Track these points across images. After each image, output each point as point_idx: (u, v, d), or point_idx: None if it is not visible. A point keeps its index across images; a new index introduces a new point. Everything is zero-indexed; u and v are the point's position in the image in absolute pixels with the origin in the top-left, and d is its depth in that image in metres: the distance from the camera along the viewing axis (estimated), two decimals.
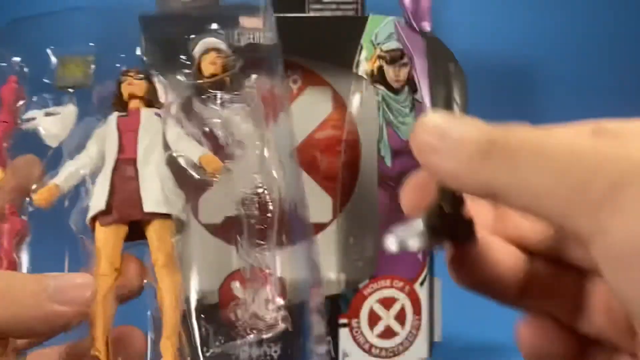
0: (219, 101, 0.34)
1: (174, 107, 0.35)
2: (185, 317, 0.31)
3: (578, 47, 0.56)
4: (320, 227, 0.50)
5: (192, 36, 0.36)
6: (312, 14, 0.51)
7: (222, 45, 0.36)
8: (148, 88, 0.34)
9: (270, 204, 0.33)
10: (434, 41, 0.27)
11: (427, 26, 0.29)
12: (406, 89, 0.49)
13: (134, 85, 0.34)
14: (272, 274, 0.33)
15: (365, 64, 0.48)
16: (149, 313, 0.31)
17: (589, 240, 0.17)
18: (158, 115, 0.34)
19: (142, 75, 0.34)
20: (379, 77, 0.49)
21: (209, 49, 0.35)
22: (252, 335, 0.32)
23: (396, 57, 0.49)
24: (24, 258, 0.31)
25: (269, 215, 0.33)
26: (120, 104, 0.34)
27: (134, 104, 0.34)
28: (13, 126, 0.33)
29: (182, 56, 0.35)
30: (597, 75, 0.56)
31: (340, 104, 0.50)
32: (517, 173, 0.18)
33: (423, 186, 0.23)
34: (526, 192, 0.18)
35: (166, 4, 0.43)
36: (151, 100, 0.34)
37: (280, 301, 0.32)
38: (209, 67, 0.35)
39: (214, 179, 0.33)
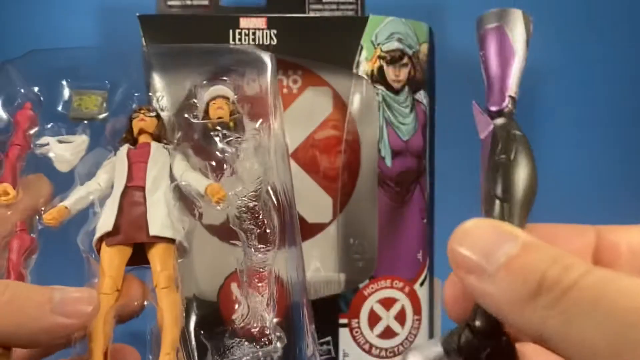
0: (225, 140, 0.37)
1: (182, 143, 0.37)
2: (184, 334, 0.32)
3: (578, 52, 0.56)
4: (320, 227, 0.50)
5: (204, 82, 0.38)
6: (312, 14, 0.51)
7: (230, 93, 0.38)
8: (158, 125, 0.37)
9: (268, 233, 0.35)
10: (508, 122, 0.23)
11: (504, 103, 0.23)
12: (406, 89, 0.49)
13: (145, 122, 0.36)
14: (268, 285, 0.34)
15: (365, 64, 0.48)
16: (148, 331, 0.33)
17: None
18: (166, 149, 0.36)
19: (153, 114, 0.37)
20: (379, 78, 0.49)
21: (217, 96, 0.38)
22: (248, 357, 0.33)
23: (396, 58, 0.49)
24: (31, 273, 0.32)
25: (268, 243, 0.35)
26: (130, 138, 0.36)
27: (143, 138, 0.36)
28: (26, 150, 0.35)
29: (193, 100, 0.38)
30: (598, 80, 0.56)
31: (340, 104, 0.50)
32: (571, 326, 0.16)
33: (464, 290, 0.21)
34: (580, 347, 0.16)
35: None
36: (160, 135, 0.37)
37: (274, 320, 0.33)
38: (216, 111, 0.37)
39: (218, 208, 0.35)
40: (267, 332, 0.33)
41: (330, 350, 0.48)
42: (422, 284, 0.50)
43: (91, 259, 0.33)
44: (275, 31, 0.47)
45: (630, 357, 0.15)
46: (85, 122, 0.37)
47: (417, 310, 0.50)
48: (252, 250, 0.35)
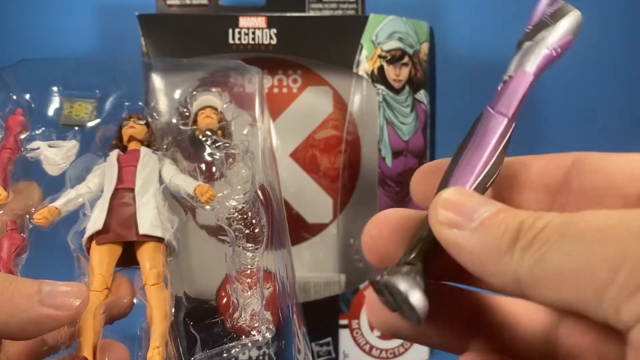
0: (214, 145, 0.38)
1: (171, 148, 0.38)
2: (173, 327, 0.32)
3: (579, 49, 0.55)
4: (320, 227, 0.50)
5: (194, 93, 0.40)
6: (312, 13, 0.50)
7: (218, 103, 0.40)
8: (147, 132, 0.38)
9: (257, 233, 0.36)
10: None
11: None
12: (407, 88, 0.49)
13: (135, 129, 0.37)
14: (257, 280, 0.34)
15: (365, 64, 0.48)
16: (138, 326, 0.33)
17: (625, 330, 0.15)
18: (156, 154, 0.37)
19: (142, 122, 0.38)
20: (379, 77, 0.49)
21: (206, 106, 0.39)
22: (237, 349, 0.33)
23: (397, 57, 0.48)
24: (22, 272, 0.32)
25: (257, 243, 0.36)
26: (120, 145, 0.37)
27: (133, 145, 0.37)
28: (17, 154, 0.36)
29: (183, 109, 0.40)
30: (600, 77, 0.56)
31: (340, 104, 0.50)
32: (544, 261, 0.16)
33: (432, 174, 0.22)
34: (554, 280, 0.16)
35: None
36: (149, 143, 0.38)
37: (264, 314, 0.34)
38: (204, 120, 0.38)
39: (207, 208, 0.36)
40: (256, 324, 0.33)
41: (330, 351, 0.48)
42: None
43: (81, 258, 0.33)
44: (275, 30, 0.47)
45: (601, 272, 0.15)
46: (76, 128, 0.38)
47: None
48: (241, 249, 0.35)
